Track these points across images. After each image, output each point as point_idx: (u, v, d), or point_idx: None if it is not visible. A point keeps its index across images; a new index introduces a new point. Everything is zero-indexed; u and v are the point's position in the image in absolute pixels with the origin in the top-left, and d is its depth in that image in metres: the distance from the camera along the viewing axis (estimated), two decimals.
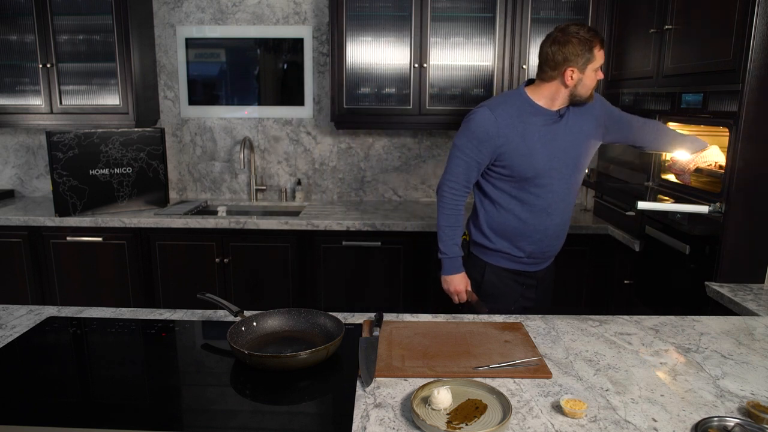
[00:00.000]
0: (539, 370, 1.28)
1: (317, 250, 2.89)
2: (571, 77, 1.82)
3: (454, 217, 1.97)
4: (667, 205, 2.16)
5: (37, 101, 3.08)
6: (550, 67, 1.84)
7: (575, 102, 1.89)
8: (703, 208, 1.94)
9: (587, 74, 1.83)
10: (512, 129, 1.86)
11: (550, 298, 2.19)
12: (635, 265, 2.54)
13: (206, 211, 3.32)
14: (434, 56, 2.96)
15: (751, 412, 1.10)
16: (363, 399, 1.17)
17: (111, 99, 3.08)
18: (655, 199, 2.34)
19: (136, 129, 3.02)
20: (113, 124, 3.08)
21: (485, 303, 1.97)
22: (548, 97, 1.88)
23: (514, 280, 2.04)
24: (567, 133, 1.91)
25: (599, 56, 1.83)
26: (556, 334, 1.50)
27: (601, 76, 1.87)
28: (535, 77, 1.94)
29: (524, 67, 2.94)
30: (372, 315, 1.59)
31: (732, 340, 1.48)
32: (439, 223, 1.99)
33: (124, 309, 1.65)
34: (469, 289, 2.02)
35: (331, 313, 1.47)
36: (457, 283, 2.00)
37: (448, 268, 2.00)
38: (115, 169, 2.97)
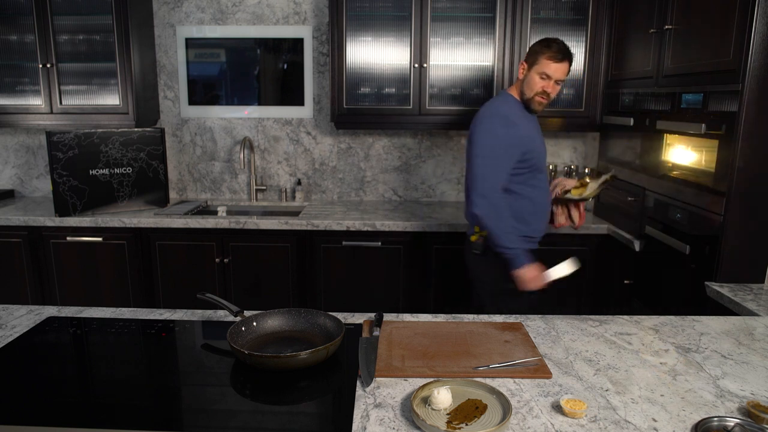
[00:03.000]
0: (539, 370, 1.28)
1: (317, 250, 2.89)
2: (522, 70, 2.15)
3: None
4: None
5: (37, 101, 3.08)
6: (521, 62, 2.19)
7: (524, 100, 2.15)
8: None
9: (532, 74, 2.11)
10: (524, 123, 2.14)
11: None
12: (635, 265, 2.54)
13: (206, 211, 3.32)
14: (434, 56, 2.96)
15: (751, 412, 1.10)
16: (363, 399, 1.17)
17: (111, 99, 3.08)
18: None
19: (136, 129, 3.02)
20: (113, 124, 3.08)
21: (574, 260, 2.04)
22: (517, 89, 2.18)
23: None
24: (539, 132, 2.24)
25: (545, 65, 2.07)
26: (556, 334, 1.50)
27: (548, 86, 2.09)
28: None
29: None
30: (372, 315, 1.59)
31: (732, 340, 1.48)
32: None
33: (124, 309, 1.65)
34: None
35: (331, 313, 1.47)
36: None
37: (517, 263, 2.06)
38: (115, 169, 2.97)
